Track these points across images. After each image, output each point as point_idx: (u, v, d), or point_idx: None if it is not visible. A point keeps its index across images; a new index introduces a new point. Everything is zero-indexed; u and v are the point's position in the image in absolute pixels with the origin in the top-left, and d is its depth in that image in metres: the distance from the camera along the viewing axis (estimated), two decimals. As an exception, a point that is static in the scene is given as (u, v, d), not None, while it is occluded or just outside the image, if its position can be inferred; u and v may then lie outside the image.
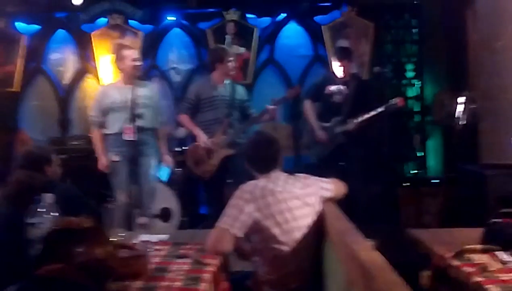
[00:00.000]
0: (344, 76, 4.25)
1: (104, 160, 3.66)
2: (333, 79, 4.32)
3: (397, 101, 4.08)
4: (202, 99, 4.03)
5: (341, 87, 4.23)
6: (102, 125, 3.72)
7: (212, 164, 4.01)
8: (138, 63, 3.69)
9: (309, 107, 4.36)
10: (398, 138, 5.41)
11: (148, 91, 3.76)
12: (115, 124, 3.65)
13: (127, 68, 3.64)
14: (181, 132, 5.16)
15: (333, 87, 4.25)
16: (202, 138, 3.98)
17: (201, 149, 3.99)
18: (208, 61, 4.31)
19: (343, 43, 5.32)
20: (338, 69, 4.26)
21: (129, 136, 3.55)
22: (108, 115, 3.68)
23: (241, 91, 4.16)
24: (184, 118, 4.10)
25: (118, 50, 3.70)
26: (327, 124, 4.24)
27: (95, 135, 3.75)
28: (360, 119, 4.08)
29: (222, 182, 4.13)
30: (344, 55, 4.28)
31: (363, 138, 4.30)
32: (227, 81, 4.09)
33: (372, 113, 4.07)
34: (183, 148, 4.89)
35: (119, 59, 3.66)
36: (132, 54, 3.68)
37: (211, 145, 3.97)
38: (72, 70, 5.67)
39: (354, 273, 1.43)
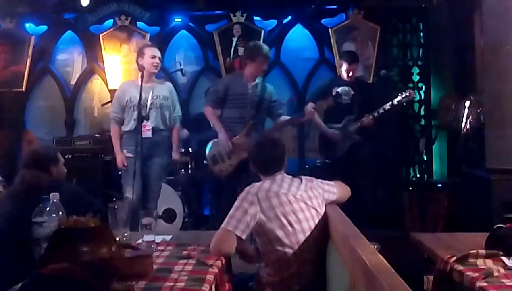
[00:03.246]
0: (350, 80, 4.26)
1: (120, 156, 3.71)
2: (338, 82, 4.33)
3: (409, 92, 4.10)
4: (230, 94, 3.93)
5: (348, 88, 4.25)
6: (120, 122, 3.78)
7: (230, 164, 3.91)
8: (157, 60, 3.74)
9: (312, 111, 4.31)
10: (404, 142, 5.40)
11: (165, 91, 3.81)
12: (130, 121, 3.71)
13: (147, 64, 3.68)
14: (184, 133, 5.19)
15: (340, 89, 4.27)
16: (224, 138, 3.89)
17: (222, 147, 3.91)
18: (242, 57, 4.25)
19: (349, 47, 5.33)
20: (344, 72, 4.27)
21: (146, 134, 3.58)
22: (126, 112, 3.74)
23: (271, 91, 4.05)
24: (209, 111, 4.00)
25: (141, 49, 3.80)
26: (338, 125, 4.24)
27: (114, 131, 3.80)
28: (375, 113, 4.10)
29: (236, 184, 4.04)
30: (351, 59, 4.29)
31: (368, 142, 4.30)
32: (258, 80, 3.99)
33: (387, 106, 4.09)
34: (189, 148, 4.92)
35: (139, 56, 3.73)
36: (152, 51, 3.75)
37: (232, 145, 3.88)
38: (79, 71, 5.70)
39: (358, 275, 1.43)
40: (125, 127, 3.77)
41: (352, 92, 4.25)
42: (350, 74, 4.26)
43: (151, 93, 3.67)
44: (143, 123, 3.60)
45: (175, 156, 3.96)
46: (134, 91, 3.70)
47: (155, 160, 3.75)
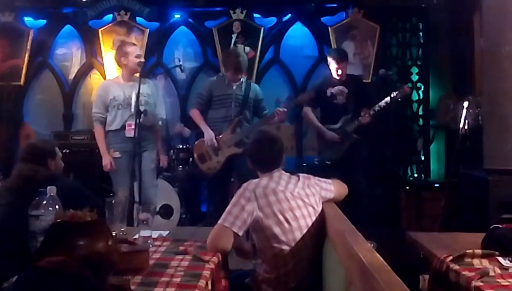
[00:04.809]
0: (341, 78, 4.27)
1: (107, 158, 3.67)
2: (331, 82, 4.32)
3: (403, 87, 4.18)
4: (215, 96, 4.04)
5: (342, 87, 4.26)
6: (104, 122, 3.75)
7: (217, 161, 4.02)
8: (141, 59, 3.74)
9: (310, 113, 4.37)
10: (401, 142, 5.40)
11: (148, 88, 3.78)
12: (116, 120, 3.70)
13: (130, 63, 3.68)
14: (186, 131, 5.20)
15: (334, 89, 4.28)
16: (209, 136, 3.98)
17: (207, 145, 4.01)
18: (215, 58, 4.34)
19: (348, 45, 5.33)
20: (333, 71, 4.27)
21: (129, 133, 3.58)
22: (109, 111, 3.72)
23: (256, 90, 4.15)
24: (195, 113, 4.11)
25: (122, 47, 3.80)
26: (336, 126, 4.24)
27: (98, 132, 3.76)
28: (371, 111, 4.11)
29: (226, 180, 4.14)
30: (339, 57, 4.27)
31: (366, 141, 4.30)
32: (243, 79, 4.09)
33: (382, 103, 4.12)
34: (188, 145, 4.92)
35: (122, 55, 3.72)
36: (136, 50, 3.76)
37: (218, 144, 3.99)
38: (78, 65, 5.68)
39: (354, 273, 1.43)
40: (110, 127, 3.73)
41: (347, 91, 4.26)
42: (340, 72, 4.25)
43: (135, 91, 3.61)
44: (128, 123, 3.60)
45: (162, 157, 3.96)
46: (118, 90, 3.70)
47: (145, 154, 3.71)
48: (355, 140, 4.20)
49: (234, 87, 4.04)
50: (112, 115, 3.71)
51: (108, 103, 3.71)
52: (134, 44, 3.85)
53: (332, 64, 4.27)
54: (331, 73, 4.33)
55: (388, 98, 4.09)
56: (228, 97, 4.02)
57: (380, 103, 4.13)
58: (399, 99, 4.16)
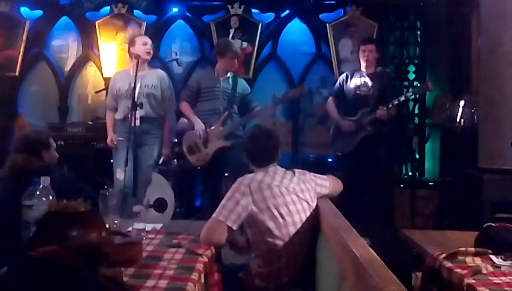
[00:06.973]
0: (368, 69, 4.31)
1: (111, 135, 3.87)
2: (355, 74, 4.38)
3: (426, 85, 4.24)
4: (203, 88, 4.07)
5: (366, 79, 4.27)
6: (114, 110, 3.93)
7: (206, 153, 4.04)
8: (148, 47, 3.85)
9: (331, 104, 4.49)
10: (397, 140, 5.40)
11: (155, 79, 3.88)
12: (120, 110, 3.84)
13: (139, 52, 3.76)
14: (180, 124, 5.18)
15: (357, 80, 4.30)
16: (200, 127, 4.00)
17: (197, 137, 4.02)
18: (212, 53, 4.38)
19: (346, 43, 5.35)
20: (361, 57, 4.32)
21: (134, 122, 3.62)
22: (117, 101, 3.88)
23: (243, 85, 4.20)
24: (184, 105, 4.13)
25: (131, 38, 3.98)
26: (353, 118, 4.27)
27: (108, 117, 3.97)
28: (390, 105, 4.11)
29: (216, 173, 4.16)
30: (364, 40, 4.36)
31: (362, 139, 4.30)
32: (230, 74, 4.13)
33: (401, 98, 4.15)
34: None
35: (131, 44, 3.86)
36: (144, 39, 3.91)
37: (208, 134, 4.00)
38: (74, 57, 5.65)
39: (347, 268, 1.44)
40: (117, 116, 3.89)
41: (371, 84, 4.27)
42: (366, 57, 4.27)
43: (140, 82, 3.72)
44: (135, 112, 3.63)
45: (165, 151, 4.01)
46: (124, 80, 3.83)
47: (145, 148, 3.83)
48: (369, 133, 4.20)
49: (222, 80, 4.07)
50: (118, 105, 3.88)
51: (115, 93, 3.89)
52: (143, 35, 4.11)
53: (360, 51, 4.33)
54: (360, 65, 4.39)
55: (409, 93, 4.14)
56: (216, 90, 4.05)
57: (399, 98, 4.14)
58: (417, 95, 4.19)
